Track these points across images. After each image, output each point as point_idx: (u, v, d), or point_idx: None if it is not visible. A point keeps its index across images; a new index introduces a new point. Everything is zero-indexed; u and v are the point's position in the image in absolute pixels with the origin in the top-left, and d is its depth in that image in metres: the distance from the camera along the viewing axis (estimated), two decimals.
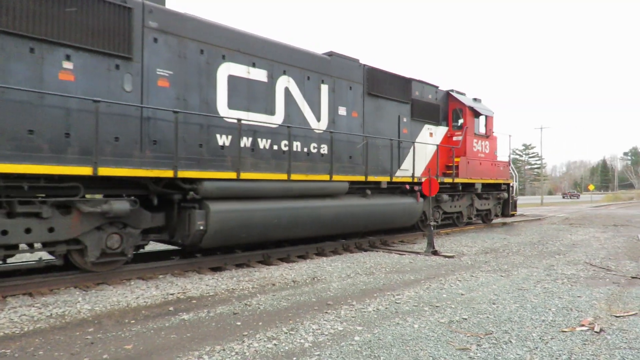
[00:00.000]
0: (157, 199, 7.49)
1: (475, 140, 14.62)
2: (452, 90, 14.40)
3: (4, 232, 5.87)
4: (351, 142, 10.63)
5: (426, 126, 13.22)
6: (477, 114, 14.59)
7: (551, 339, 4.49)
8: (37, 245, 6.45)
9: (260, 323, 5.00)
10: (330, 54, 10.49)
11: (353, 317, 5.24)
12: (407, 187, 11.94)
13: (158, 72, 7.45)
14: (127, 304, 5.74)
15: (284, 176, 8.71)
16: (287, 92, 9.36)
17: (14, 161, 5.78)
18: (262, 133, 8.81)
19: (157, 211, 7.55)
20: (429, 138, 13.32)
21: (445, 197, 13.32)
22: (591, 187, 53.89)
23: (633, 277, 7.54)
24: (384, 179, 11.12)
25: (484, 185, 15.01)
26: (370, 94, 11.24)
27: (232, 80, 8.42)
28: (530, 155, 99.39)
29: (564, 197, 55.46)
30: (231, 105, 8.38)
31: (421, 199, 12.17)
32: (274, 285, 6.91)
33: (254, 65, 8.77)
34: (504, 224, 17.09)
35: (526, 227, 16.17)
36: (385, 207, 11.14)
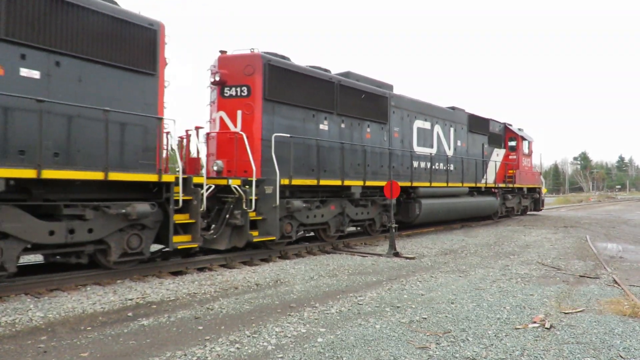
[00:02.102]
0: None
1: (523, 158, 21.49)
2: (506, 123, 21.00)
3: (346, 214, 11.54)
4: (463, 162, 16.66)
5: (495, 149, 19.52)
6: (524, 139, 21.49)
7: (505, 335, 4.68)
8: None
9: (223, 327, 4.96)
10: (453, 107, 16.85)
11: (316, 319, 5.28)
12: (493, 190, 18.77)
13: (394, 129, 13.47)
14: (83, 310, 5.54)
15: (445, 184, 15.23)
16: (437, 134, 15.44)
17: (352, 179, 11.62)
18: (428, 158, 14.84)
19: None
20: (496, 157, 19.57)
21: (509, 196, 20.61)
22: (544, 190, 56.48)
23: (581, 276, 7.95)
24: (482, 185, 17.80)
25: (527, 188, 22.25)
26: (470, 131, 17.46)
27: (418, 130, 14.53)
28: None
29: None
30: (418, 144, 14.49)
31: (499, 198, 19.11)
32: (236, 288, 6.85)
33: (425, 120, 14.88)
34: (459, 225, 17.68)
35: (483, 229, 16.75)
36: (482, 203, 17.73)
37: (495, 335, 4.68)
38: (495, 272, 8.24)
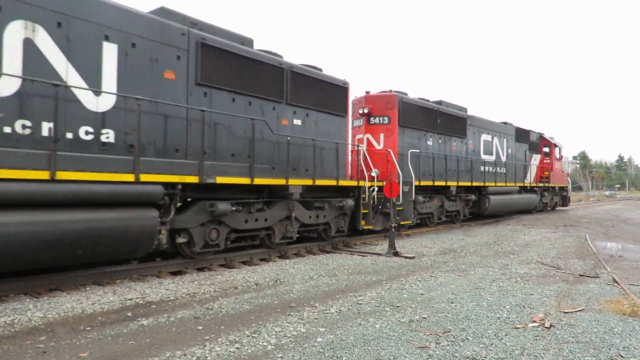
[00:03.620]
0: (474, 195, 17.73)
1: (555, 162, 25.89)
2: (541, 133, 25.10)
3: (444, 207, 15.88)
4: (515, 166, 21.24)
5: (533, 155, 23.83)
6: (556, 146, 25.97)
7: (505, 335, 4.68)
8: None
9: (222, 327, 4.95)
10: (505, 122, 21.01)
11: (316, 318, 5.27)
12: (535, 189, 23.36)
13: (469, 142, 17.38)
14: (82, 310, 5.53)
15: (503, 184, 19.54)
16: (495, 144, 19.48)
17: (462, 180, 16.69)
18: (492, 164, 19.02)
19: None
20: (534, 162, 23.97)
21: (545, 194, 25.17)
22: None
23: (580, 275, 7.95)
24: (527, 184, 22.36)
25: (558, 187, 26.96)
26: (516, 141, 21.61)
27: (484, 141, 18.52)
28: None
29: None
30: (483, 153, 18.46)
31: (538, 195, 23.59)
32: (236, 288, 6.84)
33: (488, 133, 18.92)
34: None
35: (483, 228, 16.74)
36: (527, 199, 22.14)
37: (495, 335, 4.67)
38: (495, 272, 8.24)
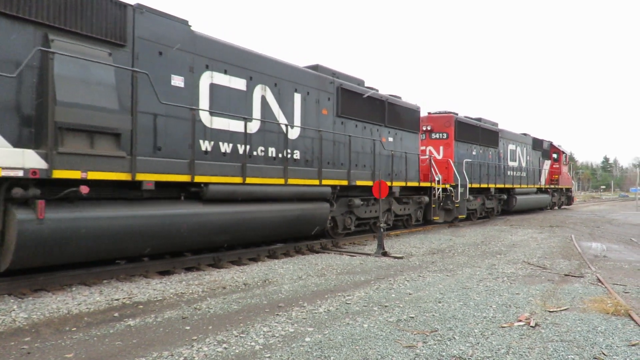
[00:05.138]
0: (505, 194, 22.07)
1: (563, 167, 30.16)
2: (551, 141, 29.06)
3: (484, 204, 20.12)
4: (534, 171, 25.50)
5: (545, 160, 27.67)
6: (563, 153, 30.12)
7: (491, 334, 4.73)
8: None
9: (210, 327, 4.93)
10: (525, 134, 24.90)
11: (304, 318, 5.27)
12: (548, 190, 28.30)
13: (500, 151, 21.00)
14: (68, 310, 5.47)
15: (526, 185, 23.57)
16: (518, 153, 23.09)
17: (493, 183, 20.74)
18: (517, 169, 22.83)
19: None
20: (546, 166, 27.69)
21: (555, 194, 29.40)
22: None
23: (566, 275, 8.07)
24: (543, 186, 26.80)
25: (565, 188, 31.56)
26: (533, 149, 25.29)
27: (510, 150, 22.12)
28: None
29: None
30: (510, 160, 21.94)
31: (550, 195, 28.07)
32: (224, 288, 6.82)
33: (512, 143, 22.47)
34: (448, 225, 17.81)
35: (471, 229, 16.89)
36: (542, 199, 26.39)
37: (481, 334, 4.72)
38: (482, 271, 8.31)
